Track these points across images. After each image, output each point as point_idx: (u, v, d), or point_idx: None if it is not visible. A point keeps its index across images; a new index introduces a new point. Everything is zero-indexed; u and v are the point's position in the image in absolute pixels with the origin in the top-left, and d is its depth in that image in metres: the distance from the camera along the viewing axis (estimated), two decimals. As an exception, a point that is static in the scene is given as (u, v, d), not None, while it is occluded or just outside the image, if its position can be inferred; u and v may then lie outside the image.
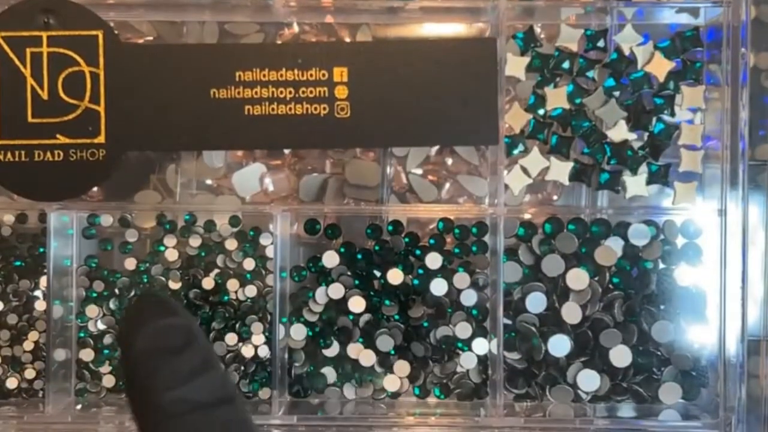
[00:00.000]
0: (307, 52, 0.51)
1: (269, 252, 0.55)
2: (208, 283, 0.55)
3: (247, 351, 0.55)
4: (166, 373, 0.25)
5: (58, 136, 0.51)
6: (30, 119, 0.50)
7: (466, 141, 0.52)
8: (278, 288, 0.52)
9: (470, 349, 0.54)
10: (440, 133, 0.51)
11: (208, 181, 0.57)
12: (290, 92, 0.51)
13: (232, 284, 0.55)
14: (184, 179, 0.57)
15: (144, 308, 0.27)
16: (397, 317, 0.55)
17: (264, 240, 0.55)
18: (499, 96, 0.50)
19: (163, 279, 0.55)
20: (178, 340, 0.26)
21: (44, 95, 0.50)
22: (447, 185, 0.58)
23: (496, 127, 0.51)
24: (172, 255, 0.55)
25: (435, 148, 0.57)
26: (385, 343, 0.54)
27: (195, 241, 0.55)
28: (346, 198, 0.56)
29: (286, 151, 0.57)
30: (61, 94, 0.50)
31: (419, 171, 0.57)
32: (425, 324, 0.54)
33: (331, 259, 0.55)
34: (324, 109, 0.51)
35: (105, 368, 0.55)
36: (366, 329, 0.55)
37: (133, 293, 0.55)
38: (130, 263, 0.55)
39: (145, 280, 0.55)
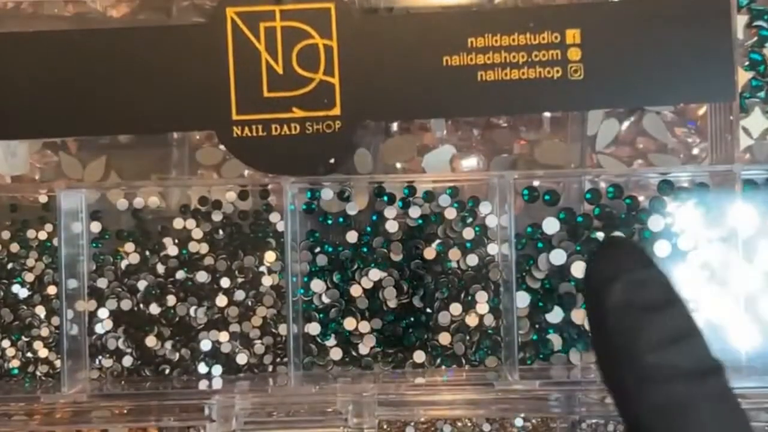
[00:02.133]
0: (539, 15, 0.51)
1: (489, 221, 0.55)
2: (429, 253, 0.55)
3: (472, 320, 0.55)
4: (646, 333, 0.22)
5: (294, 109, 0.51)
6: (266, 93, 0.51)
7: (702, 98, 0.51)
8: (514, 256, 0.52)
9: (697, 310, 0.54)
10: (675, 91, 0.51)
11: (398, 165, 0.58)
12: (523, 56, 0.51)
13: (454, 254, 0.55)
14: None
15: (617, 257, 0.24)
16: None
17: (483, 208, 0.55)
18: (734, 50, 0.50)
19: (385, 250, 0.55)
20: (658, 295, 0.23)
21: (279, 69, 0.51)
22: (636, 163, 0.58)
23: (732, 82, 0.50)
24: (392, 226, 0.55)
25: (625, 126, 0.57)
26: (609, 307, 0.54)
27: (415, 212, 0.55)
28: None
29: (475, 132, 0.58)
30: (296, 68, 0.51)
31: (608, 150, 0.57)
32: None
33: (551, 225, 0.55)
34: (557, 71, 0.51)
35: (331, 341, 0.55)
36: (590, 294, 0.55)
37: (355, 266, 0.55)
38: (352, 236, 0.55)
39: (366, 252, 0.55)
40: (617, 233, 0.53)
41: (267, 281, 0.55)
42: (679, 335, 0.23)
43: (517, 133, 0.58)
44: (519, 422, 0.60)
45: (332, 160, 0.51)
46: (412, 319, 0.55)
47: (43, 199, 0.57)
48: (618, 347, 0.23)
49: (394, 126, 0.57)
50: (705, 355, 0.23)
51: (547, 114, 0.57)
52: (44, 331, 0.56)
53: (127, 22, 0.57)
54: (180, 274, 0.55)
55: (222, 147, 0.53)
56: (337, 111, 0.51)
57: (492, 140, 0.58)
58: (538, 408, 0.53)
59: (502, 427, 0.60)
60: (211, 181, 0.57)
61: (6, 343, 0.56)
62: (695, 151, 0.57)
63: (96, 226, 0.56)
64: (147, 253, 0.56)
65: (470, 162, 0.58)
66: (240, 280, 0.55)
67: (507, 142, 0.58)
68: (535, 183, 0.55)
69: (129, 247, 0.56)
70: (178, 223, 0.56)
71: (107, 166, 0.58)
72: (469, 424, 0.60)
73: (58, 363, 0.56)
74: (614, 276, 0.23)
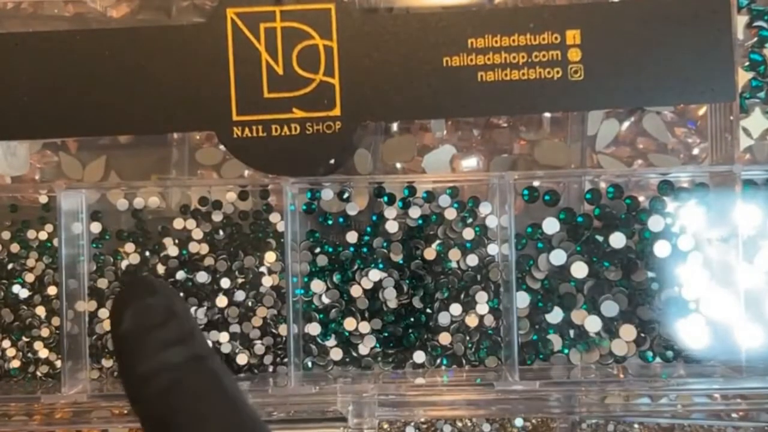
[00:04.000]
0: (539, 16, 0.51)
1: (489, 221, 0.55)
2: (429, 253, 0.55)
3: (471, 321, 0.55)
4: (146, 346, 0.28)
5: (294, 110, 0.51)
6: (266, 94, 0.51)
7: (702, 98, 0.51)
8: (513, 256, 0.52)
9: (698, 311, 0.54)
10: (675, 91, 0.50)
11: (398, 165, 0.58)
12: (523, 57, 0.51)
13: (454, 254, 0.55)
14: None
15: (127, 290, 0.30)
16: (620, 282, 0.54)
17: (483, 209, 0.55)
18: (734, 50, 0.50)
19: (385, 251, 0.55)
20: (158, 317, 0.29)
21: (279, 70, 0.51)
22: (636, 163, 0.58)
23: (733, 82, 0.50)
24: (392, 227, 0.55)
25: (625, 126, 0.57)
26: (609, 308, 0.54)
27: (415, 213, 0.55)
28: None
29: (475, 132, 0.58)
30: (296, 68, 0.51)
31: (608, 150, 0.58)
32: (652, 287, 0.54)
33: (551, 225, 0.55)
34: (557, 72, 0.51)
35: (331, 342, 0.55)
36: (590, 295, 0.55)
37: (356, 267, 0.55)
38: (352, 237, 0.55)
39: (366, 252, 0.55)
40: (618, 233, 0.53)
41: (267, 282, 0.55)
42: (173, 341, 0.28)
43: (517, 133, 0.58)
44: (519, 422, 0.60)
45: (332, 161, 0.51)
46: (412, 319, 0.55)
47: (43, 199, 0.57)
48: (125, 362, 0.28)
49: (394, 126, 0.57)
50: (192, 348, 0.28)
51: (547, 114, 0.57)
52: (44, 332, 0.56)
53: (126, 22, 0.57)
54: (180, 275, 0.55)
55: (222, 147, 0.53)
56: (337, 111, 0.51)
57: (492, 140, 0.58)
58: (538, 408, 0.53)
59: (502, 427, 0.60)
60: (211, 181, 0.57)
61: (6, 343, 0.56)
62: (695, 151, 0.57)
63: (96, 227, 0.56)
64: (147, 253, 0.56)
65: (470, 162, 0.58)
66: (240, 280, 0.55)
67: (507, 142, 0.58)
68: (535, 183, 0.55)
69: (129, 247, 0.56)
70: (178, 224, 0.56)
71: (107, 166, 0.58)
72: (470, 424, 0.60)
73: (58, 363, 0.56)
74: (125, 306, 0.29)
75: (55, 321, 0.56)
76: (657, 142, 0.57)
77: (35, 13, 0.59)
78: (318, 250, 0.56)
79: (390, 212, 0.55)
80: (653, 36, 0.50)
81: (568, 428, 0.60)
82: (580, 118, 0.57)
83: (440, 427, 0.60)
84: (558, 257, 0.54)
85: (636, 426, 0.60)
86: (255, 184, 0.55)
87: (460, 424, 0.60)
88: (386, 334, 0.55)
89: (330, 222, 0.56)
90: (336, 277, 0.55)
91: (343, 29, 0.51)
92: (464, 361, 0.55)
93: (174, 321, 0.29)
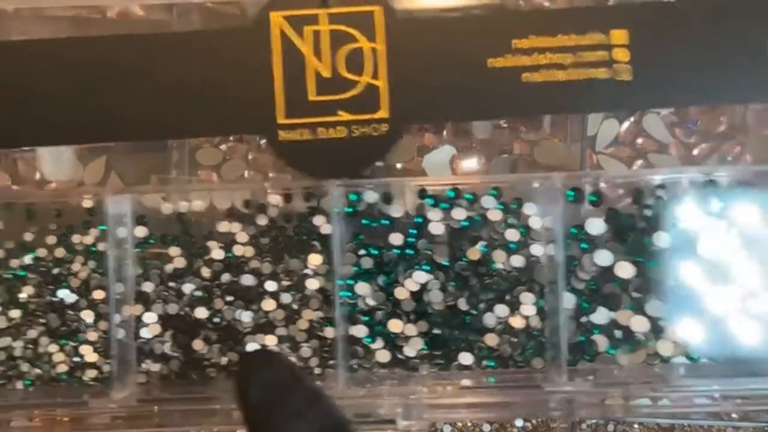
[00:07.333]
0: (584, 17, 0.51)
1: (532, 222, 0.55)
2: (473, 254, 0.55)
3: (517, 322, 0.55)
4: (277, 417, 0.30)
5: (340, 112, 0.51)
6: (312, 97, 0.51)
7: (756, 97, 0.51)
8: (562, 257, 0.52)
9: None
10: (729, 90, 0.50)
11: (399, 165, 0.58)
12: (568, 57, 0.51)
13: (499, 255, 0.55)
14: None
15: (249, 362, 0.33)
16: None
17: (527, 210, 0.55)
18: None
19: (429, 252, 0.55)
20: (283, 386, 0.31)
21: (325, 73, 0.51)
22: (637, 163, 0.58)
23: (785, 81, 0.50)
24: (436, 228, 0.55)
25: (624, 127, 0.57)
26: (655, 308, 0.54)
27: (459, 214, 0.55)
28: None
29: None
30: (342, 71, 0.51)
31: (608, 150, 0.58)
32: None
33: (596, 225, 0.55)
34: (604, 72, 0.51)
35: (377, 344, 0.55)
36: (636, 295, 0.54)
37: (400, 269, 0.55)
38: (396, 239, 0.55)
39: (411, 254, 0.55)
40: (663, 233, 0.53)
41: (312, 284, 0.55)
42: (302, 409, 0.30)
43: (516, 134, 0.58)
44: (519, 422, 0.60)
45: (380, 164, 0.52)
46: (457, 321, 0.55)
47: (87, 203, 0.57)
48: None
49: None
50: (326, 417, 0.30)
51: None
52: (91, 336, 0.56)
53: (166, 24, 0.58)
54: (225, 278, 0.55)
55: (222, 147, 0.53)
56: (383, 114, 0.51)
57: (492, 140, 0.58)
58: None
59: (502, 427, 0.60)
60: (256, 184, 0.57)
61: (53, 347, 0.56)
62: (695, 151, 0.57)
63: (141, 231, 0.56)
64: (192, 257, 0.56)
65: (470, 162, 0.58)
66: (285, 283, 0.55)
67: (507, 142, 0.58)
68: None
69: (174, 251, 0.56)
70: (223, 227, 0.56)
71: (107, 166, 0.58)
72: (470, 424, 0.60)
73: (105, 368, 0.56)
74: (249, 379, 0.31)
75: (102, 325, 0.56)
76: (657, 142, 0.57)
77: (73, 16, 0.59)
78: (362, 252, 0.56)
79: (434, 214, 0.55)
80: (704, 35, 0.50)
81: (567, 428, 0.60)
82: (580, 118, 0.57)
83: (440, 427, 0.60)
84: (603, 258, 0.54)
85: (636, 426, 0.59)
86: (300, 187, 0.55)
87: (460, 424, 0.60)
88: (432, 336, 0.55)
89: (374, 224, 0.56)
90: (381, 279, 0.55)
91: (389, 31, 0.51)
92: (510, 363, 0.55)
93: (300, 388, 0.30)
